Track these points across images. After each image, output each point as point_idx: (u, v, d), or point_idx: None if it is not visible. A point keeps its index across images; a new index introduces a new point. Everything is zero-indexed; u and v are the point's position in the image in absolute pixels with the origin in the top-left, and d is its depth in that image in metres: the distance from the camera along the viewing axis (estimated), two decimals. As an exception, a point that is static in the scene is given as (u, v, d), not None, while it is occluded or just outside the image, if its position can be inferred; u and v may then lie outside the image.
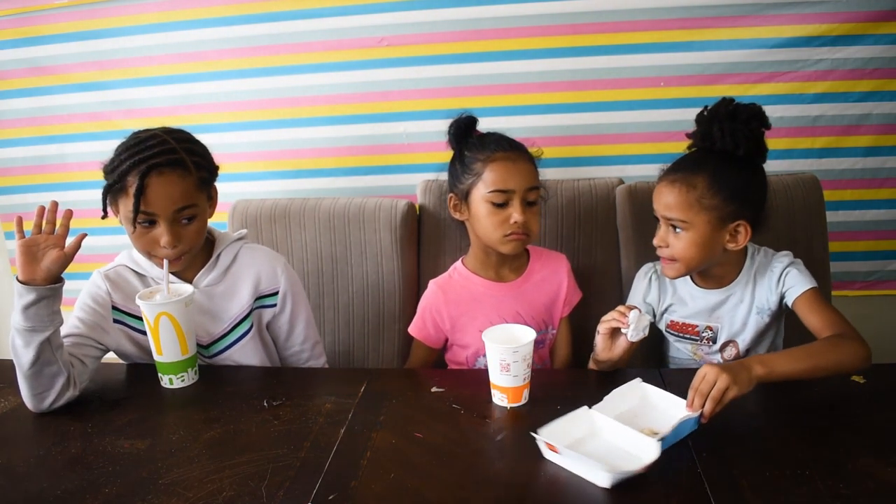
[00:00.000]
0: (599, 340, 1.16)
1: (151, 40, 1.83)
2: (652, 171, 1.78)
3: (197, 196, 1.20)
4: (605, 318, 1.16)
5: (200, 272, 1.28)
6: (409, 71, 1.78)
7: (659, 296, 1.38)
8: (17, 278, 1.09)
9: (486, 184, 1.30)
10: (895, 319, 1.86)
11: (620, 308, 1.15)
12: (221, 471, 0.93)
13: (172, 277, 1.24)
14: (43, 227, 1.12)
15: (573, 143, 1.80)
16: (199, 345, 1.26)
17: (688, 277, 1.35)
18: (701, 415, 0.96)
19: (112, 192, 1.18)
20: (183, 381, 1.20)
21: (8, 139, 1.97)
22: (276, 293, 1.32)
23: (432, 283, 1.43)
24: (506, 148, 1.32)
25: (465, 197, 1.34)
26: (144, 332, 1.26)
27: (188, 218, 1.19)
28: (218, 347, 1.30)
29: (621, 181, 1.66)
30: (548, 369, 1.43)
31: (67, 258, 1.10)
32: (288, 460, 0.95)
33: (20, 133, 1.96)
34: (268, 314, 1.34)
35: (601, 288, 1.61)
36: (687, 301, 1.35)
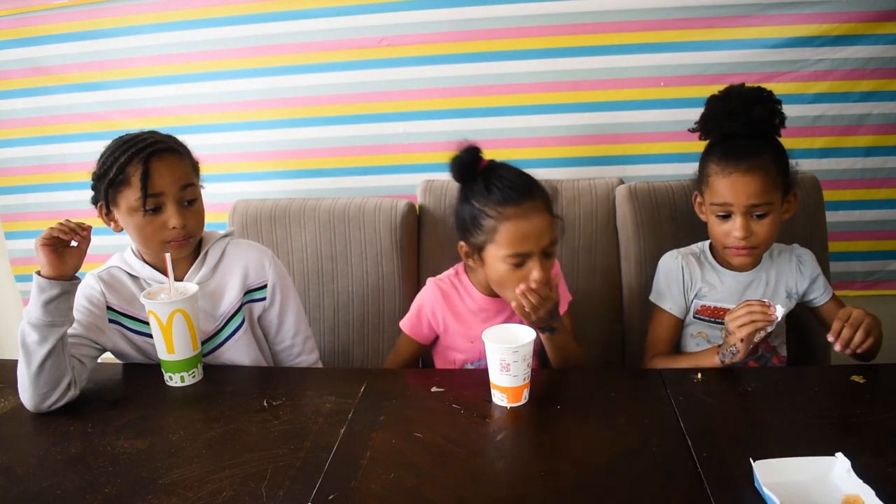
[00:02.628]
0: (743, 347, 1.14)
1: (151, 40, 1.83)
2: (652, 171, 1.79)
3: (194, 177, 1.26)
4: (741, 321, 1.13)
5: (190, 270, 1.28)
6: (409, 71, 1.78)
7: (690, 281, 1.38)
8: (38, 273, 1.10)
9: (500, 245, 1.20)
10: (895, 319, 1.87)
11: (756, 307, 1.13)
12: (221, 471, 0.93)
13: (159, 278, 1.26)
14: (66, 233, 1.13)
15: (573, 143, 1.80)
16: None
17: (712, 259, 1.39)
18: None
19: (113, 188, 1.19)
20: (194, 377, 1.20)
21: (8, 139, 1.97)
22: (265, 286, 1.33)
23: (431, 283, 1.40)
24: (517, 200, 1.19)
25: (477, 250, 1.26)
26: (140, 333, 1.27)
27: (190, 200, 1.24)
28: (212, 345, 1.30)
29: (621, 181, 1.66)
30: (548, 369, 1.43)
31: (83, 254, 1.15)
32: (288, 460, 0.95)
33: (20, 133, 1.96)
34: (258, 308, 1.34)
35: (601, 288, 1.61)
36: (716, 284, 1.37)
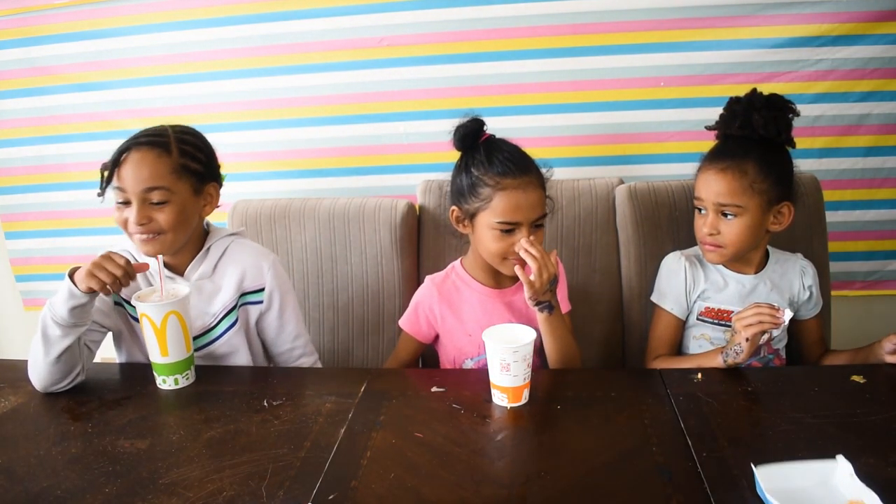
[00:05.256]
0: (748, 347, 1.15)
1: (151, 40, 1.83)
2: (652, 171, 1.79)
3: (172, 180, 1.21)
4: (748, 321, 1.15)
5: (191, 265, 1.29)
6: (409, 71, 1.78)
7: (693, 282, 1.39)
8: (72, 280, 1.13)
9: (494, 212, 1.24)
10: (895, 319, 1.87)
11: (765, 309, 1.14)
12: (221, 471, 0.93)
13: (166, 272, 1.26)
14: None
15: (573, 143, 1.80)
16: None
17: None
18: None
19: (108, 172, 1.21)
20: (188, 378, 1.20)
21: (8, 139, 1.97)
22: (262, 290, 1.32)
23: (429, 280, 1.42)
24: (515, 173, 1.24)
25: (469, 216, 1.31)
26: (137, 320, 1.26)
27: (159, 201, 1.21)
28: (203, 341, 1.30)
29: (621, 181, 1.65)
30: (548, 369, 1.43)
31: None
32: (288, 460, 0.95)
33: (20, 133, 1.96)
34: (254, 311, 1.33)
35: (601, 288, 1.61)
36: (721, 286, 1.37)
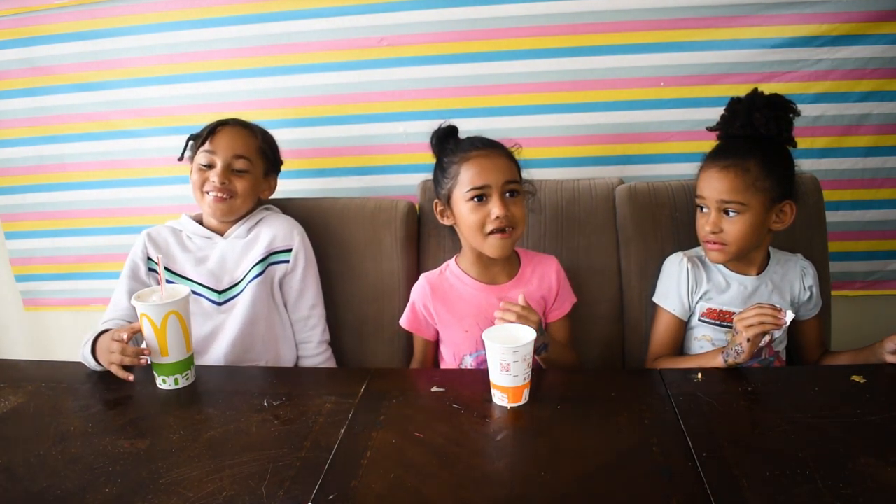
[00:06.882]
0: (749, 347, 1.15)
1: (151, 40, 1.83)
2: (652, 171, 1.79)
3: (254, 156, 1.48)
4: (750, 321, 1.15)
5: (231, 228, 1.49)
6: (409, 71, 1.78)
7: (695, 283, 1.39)
8: (91, 347, 1.23)
9: (463, 184, 1.30)
10: (895, 319, 1.87)
11: (767, 310, 1.15)
12: (221, 471, 0.93)
13: (207, 232, 1.48)
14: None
15: (573, 143, 1.80)
16: (214, 290, 1.45)
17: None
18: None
19: (194, 140, 1.47)
20: (188, 378, 1.20)
21: (8, 139, 1.97)
22: (289, 250, 1.49)
23: (423, 278, 1.44)
24: (479, 146, 1.33)
25: (447, 201, 1.36)
26: (170, 283, 1.35)
27: (241, 170, 1.45)
28: (231, 294, 1.45)
29: (621, 181, 1.65)
30: (548, 369, 1.43)
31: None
32: (288, 460, 0.95)
33: (20, 133, 1.96)
34: (280, 270, 1.48)
35: (601, 288, 1.61)
36: (723, 287, 1.37)
